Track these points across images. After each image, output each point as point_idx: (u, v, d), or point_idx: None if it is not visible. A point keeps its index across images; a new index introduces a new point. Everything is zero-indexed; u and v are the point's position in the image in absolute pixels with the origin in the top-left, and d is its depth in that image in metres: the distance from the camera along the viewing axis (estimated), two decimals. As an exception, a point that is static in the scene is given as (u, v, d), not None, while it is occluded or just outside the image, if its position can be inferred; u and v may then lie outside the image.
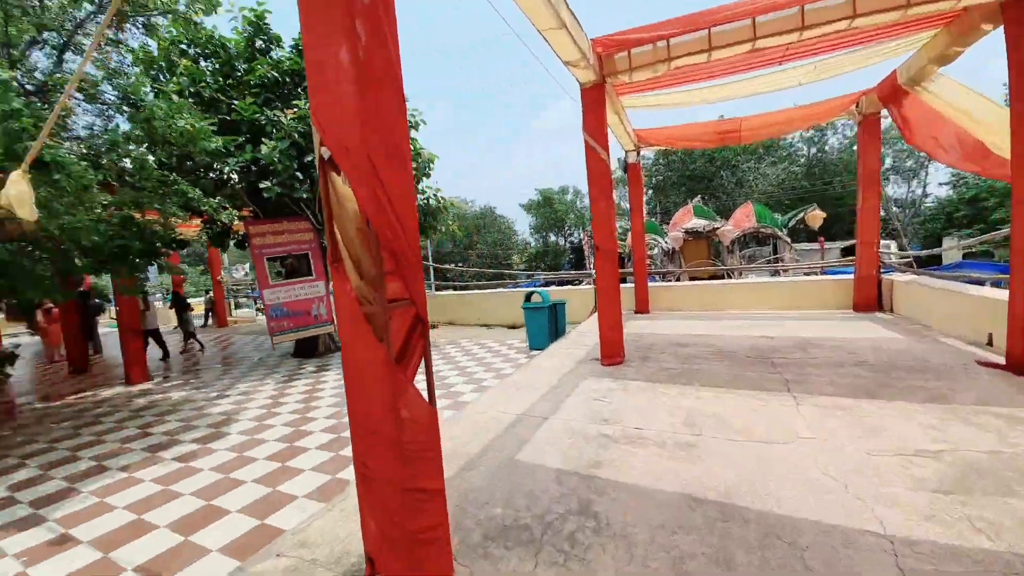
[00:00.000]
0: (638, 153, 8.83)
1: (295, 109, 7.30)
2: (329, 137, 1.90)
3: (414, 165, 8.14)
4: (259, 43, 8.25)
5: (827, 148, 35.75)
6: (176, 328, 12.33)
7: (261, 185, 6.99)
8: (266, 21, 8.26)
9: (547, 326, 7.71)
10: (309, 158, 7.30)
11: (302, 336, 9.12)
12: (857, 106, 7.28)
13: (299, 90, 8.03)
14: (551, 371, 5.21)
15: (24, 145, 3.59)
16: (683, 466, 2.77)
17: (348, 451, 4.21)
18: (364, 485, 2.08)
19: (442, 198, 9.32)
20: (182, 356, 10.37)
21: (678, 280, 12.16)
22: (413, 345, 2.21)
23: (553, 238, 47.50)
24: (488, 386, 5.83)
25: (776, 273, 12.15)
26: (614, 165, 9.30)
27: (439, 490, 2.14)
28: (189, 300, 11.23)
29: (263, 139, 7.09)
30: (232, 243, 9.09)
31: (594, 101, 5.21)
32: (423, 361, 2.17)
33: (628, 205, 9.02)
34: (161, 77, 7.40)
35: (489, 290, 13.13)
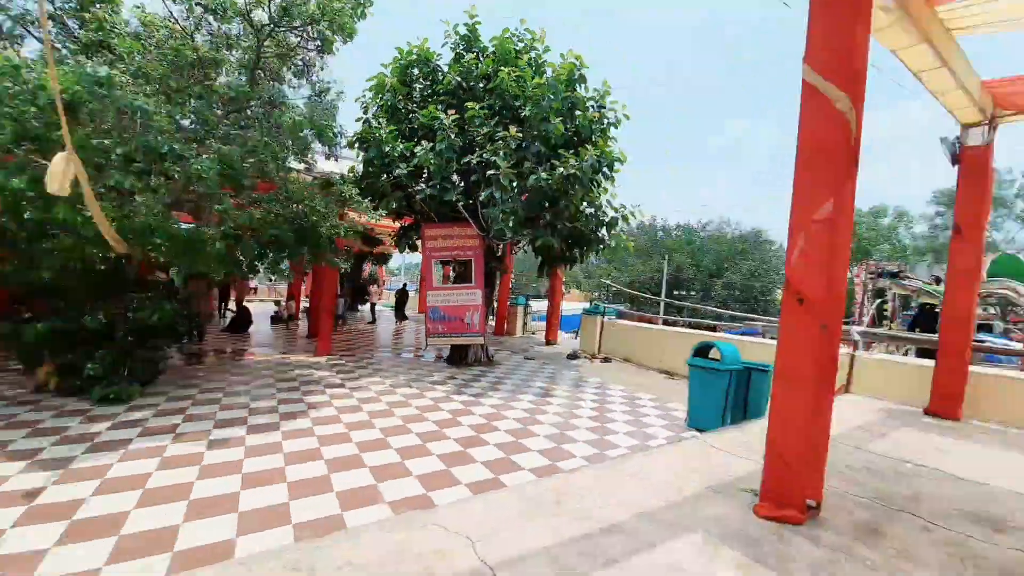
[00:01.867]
0: (991, 128, 4.78)
1: (456, 111, 6.97)
2: None
3: (573, 164, 6.57)
4: (467, 56, 8.37)
5: None
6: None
7: (416, 187, 6.91)
8: (478, 34, 8.33)
9: (723, 399, 4.90)
10: (467, 159, 6.82)
11: (454, 342, 8.89)
12: None
13: (485, 92, 7.74)
14: (649, 488, 2.90)
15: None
16: None
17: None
18: None
19: (621, 206, 7.45)
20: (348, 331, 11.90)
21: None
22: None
23: (886, 281, 37.47)
24: (569, 469, 3.81)
25: None
26: (934, 148, 5.38)
27: None
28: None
29: (423, 141, 7.04)
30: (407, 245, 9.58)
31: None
32: None
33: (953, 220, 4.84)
34: (380, 96, 8.29)
35: (679, 328, 10.20)
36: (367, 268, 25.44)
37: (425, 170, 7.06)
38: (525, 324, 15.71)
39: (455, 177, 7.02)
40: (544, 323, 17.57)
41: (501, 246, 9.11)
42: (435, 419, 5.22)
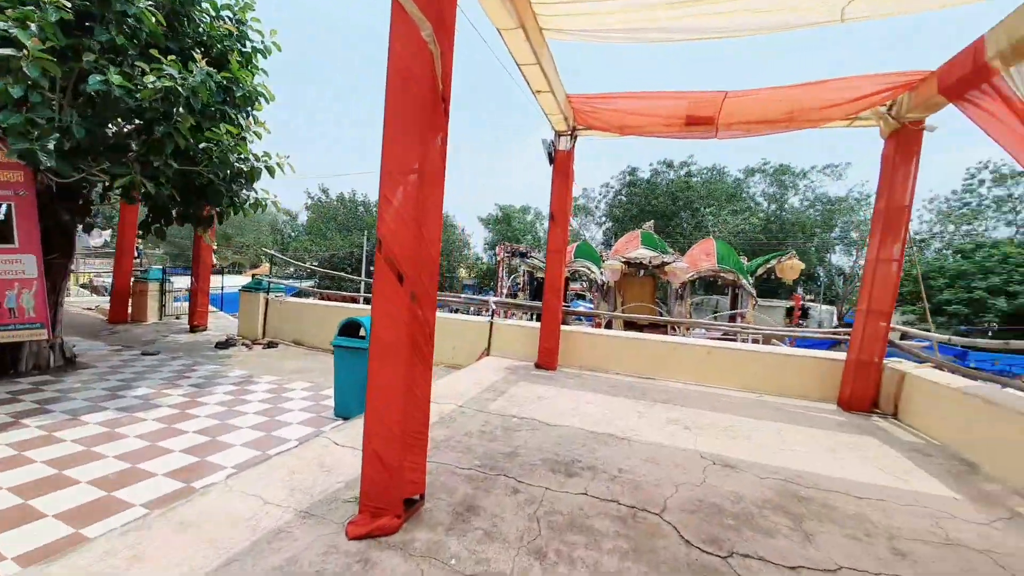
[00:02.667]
0: (572, 138, 5.93)
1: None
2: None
3: (174, 75, 4.64)
4: None
5: (786, 207, 35.59)
6: None
7: None
8: None
9: (363, 381, 4.50)
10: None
11: (-27, 341, 5.38)
12: (890, 107, 4.78)
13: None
14: (209, 538, 1.98)
15: None
16: None
17: None
18: None
19: (264, 154, 5.98)
20: None
21: (608, 326, 9.35)
22: None
23: (517, 260, 46.61)
24: (96, 536, 2.42)
25: (728, 335, 9.59)
26: (536, 150, 6.37)
27: None
28: None
29: None
30: None
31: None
32: None
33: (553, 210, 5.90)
34: None
35: (360, 304, 9.76)
36: None
37: None
38: (163, 307, 11.78)
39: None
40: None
41: (91, 189, 6.02)
42: None
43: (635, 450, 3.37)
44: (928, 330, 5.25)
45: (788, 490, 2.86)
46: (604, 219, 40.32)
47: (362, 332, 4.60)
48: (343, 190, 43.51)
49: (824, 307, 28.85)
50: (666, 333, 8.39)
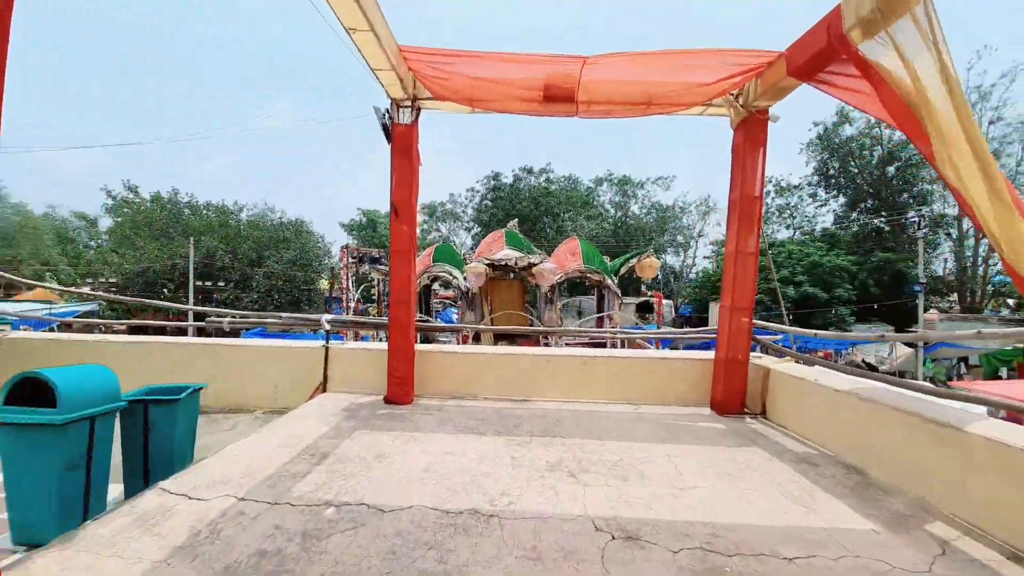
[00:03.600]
0: (415, 109, 4.70)
1: None
2: None
3: None
4: None
5: (630, 213, 39.63)
6: None
7: None
8: None
9: (69, 477, 2.62)
10: None
11: None
12: (738, 95, 4.64)
13: None
14: None
15: None
16: None
17: None
18: None
19: None
20: None
21: (477, 340, 8.36)
22: None
23: (367, 267, 42.95)
24: None
25: (596, 339, 9.39)
26: (369, 121, 4.99)
27: None
28: None
29: None
30: None
31: None
32: None
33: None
34: None
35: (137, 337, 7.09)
36: None
37: None
38: None
39: None
40: None
41: None
42: None
43: (508, 536, 2.30)
44: (781, 322, 5.33)
45: (709, 566, 2.07)
46: (472, 224, 40.02)
47: (57, 393, 2.68)
48: (160, 188, 35.72)
49: (665, 301, 32.53)
50: (539, 344, 7.72)
